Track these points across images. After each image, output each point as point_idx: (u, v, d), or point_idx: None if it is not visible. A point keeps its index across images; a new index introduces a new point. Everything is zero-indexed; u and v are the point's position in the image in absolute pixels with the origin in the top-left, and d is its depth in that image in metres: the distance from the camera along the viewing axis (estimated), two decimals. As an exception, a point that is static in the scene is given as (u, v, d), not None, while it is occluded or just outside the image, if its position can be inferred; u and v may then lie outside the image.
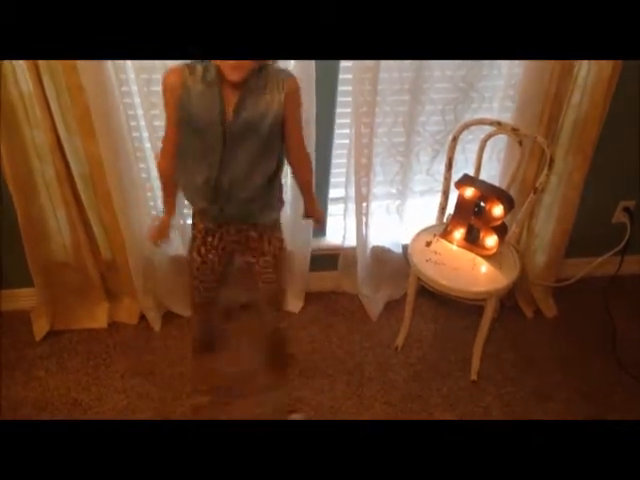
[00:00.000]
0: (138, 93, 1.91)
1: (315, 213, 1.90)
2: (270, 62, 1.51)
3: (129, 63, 1.86)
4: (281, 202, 1.78)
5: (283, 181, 1.78)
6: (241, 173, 1.56)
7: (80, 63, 1.75)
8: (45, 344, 2.34)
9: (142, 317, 2.43)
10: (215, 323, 2.06)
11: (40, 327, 2.36)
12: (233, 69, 1.42)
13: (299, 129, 1.63)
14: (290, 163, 1.71)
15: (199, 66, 1.48)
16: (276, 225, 1.80)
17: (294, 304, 2.52)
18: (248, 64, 1.43)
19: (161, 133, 2.00)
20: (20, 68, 1.78)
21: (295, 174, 1.78)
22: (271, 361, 2.12)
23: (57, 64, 1.77)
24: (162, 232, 1.83)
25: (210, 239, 1.75)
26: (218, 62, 1.43)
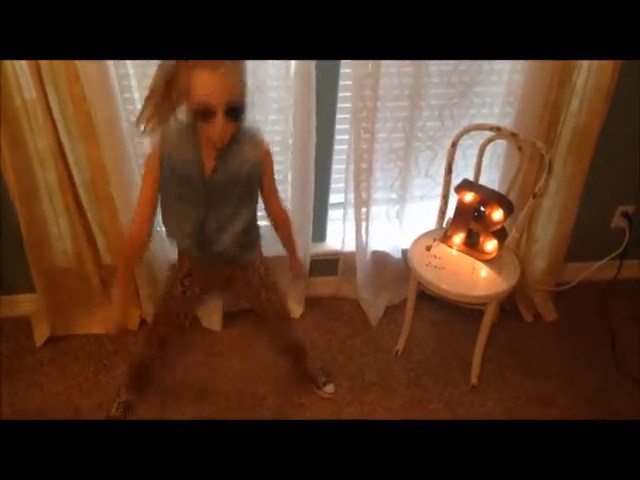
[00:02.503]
0: (140, 100, 1.91)
1: (295, 268, 1.97)
2: (243, 126, 1.57)
3: (132, 70, 1.87)
4: (258, 239, 1.81)
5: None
6: (224, 220, 1.64)
7: (83, 71, 1.76)
8: (46, 350, 2.34)
9: (143, 323, 2.44)
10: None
11: (41, 333, 2.36)
12: (220, 135, 1.47)
13: (274, 187, 1.73)
14: (270, 217, 1.80)
15: (181, 128, 1.54)
16: (254, 258, 1.85)
17: (294, 310, 2.52)
18: (232, 130, 1.48)
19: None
20: (24, 76, 1.78)
21: (276, 229, 1.85)
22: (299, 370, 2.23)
23: (60, 72, 1.78)
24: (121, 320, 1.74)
25: (193, 279, 1.80)
26: (204, 128, 1.46)
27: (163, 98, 1.45)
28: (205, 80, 1.38)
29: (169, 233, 1.72)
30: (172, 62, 1.42)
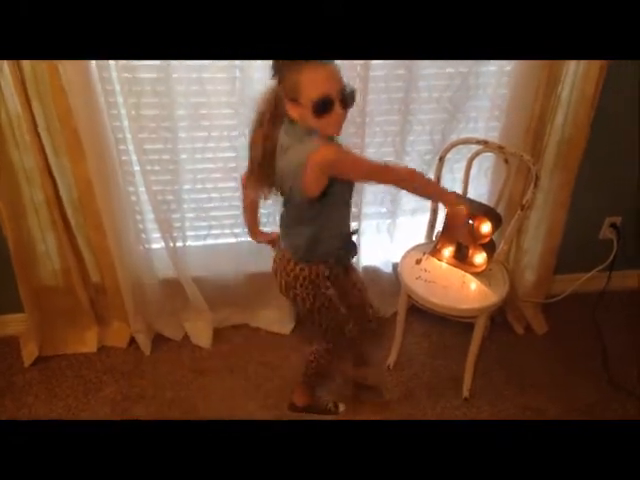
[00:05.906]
0: (127, 116, 1.91)
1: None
2: None
3: (118, 87, 1.87)
4: None
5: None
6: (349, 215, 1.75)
7: (69, 86, 1.76)
8: (34, 370, 2.32)
9: (132, 341, 2.42)
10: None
11: (29, 352, 2.33)
12: (339, 124, 1.50)
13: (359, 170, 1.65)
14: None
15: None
16: None
17: (284, 325, 2.51)
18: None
19: (151, 156, 2.00)
20: (9, 91, 1.78)
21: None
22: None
23: (46, 87, 1.78)
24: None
25: (333, 280, 1.80)
26: (321, 124, 1.46)
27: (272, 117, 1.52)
28: (320, 73, 1.41)
29: (316, 245, 1.69)
30: (272, 91, 1.49)
